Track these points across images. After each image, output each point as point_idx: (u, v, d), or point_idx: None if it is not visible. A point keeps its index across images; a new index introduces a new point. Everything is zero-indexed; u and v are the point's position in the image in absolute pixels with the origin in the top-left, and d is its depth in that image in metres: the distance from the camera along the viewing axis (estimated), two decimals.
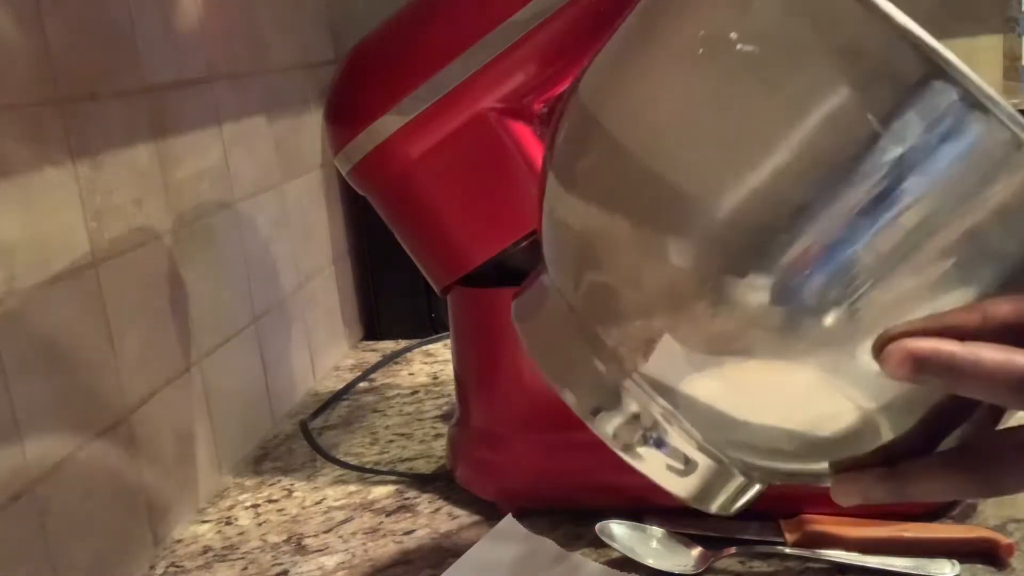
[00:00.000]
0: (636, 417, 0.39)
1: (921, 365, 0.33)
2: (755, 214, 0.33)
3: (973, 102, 0.31)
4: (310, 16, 1.06)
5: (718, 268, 0.34)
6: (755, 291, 0.33)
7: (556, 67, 0.63)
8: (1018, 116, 0.31)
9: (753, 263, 0.33)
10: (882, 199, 0.32)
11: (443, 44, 0.62)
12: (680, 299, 0.35)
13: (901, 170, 0.32)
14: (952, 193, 0.32)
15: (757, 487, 0.41)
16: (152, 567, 0.67)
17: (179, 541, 0.71)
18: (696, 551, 0.61)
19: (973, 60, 1.21)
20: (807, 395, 0.35)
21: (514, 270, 0.66)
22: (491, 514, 0.69)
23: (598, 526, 0.62)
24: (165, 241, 0.73)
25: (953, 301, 0.34)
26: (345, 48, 0.68)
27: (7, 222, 0.56)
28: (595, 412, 0.40)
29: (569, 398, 0.40)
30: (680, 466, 0.39)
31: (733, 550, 0.60)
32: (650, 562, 0.60)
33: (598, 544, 0.62)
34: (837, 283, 0.33)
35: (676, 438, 0.39)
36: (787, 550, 0.60)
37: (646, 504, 0.64)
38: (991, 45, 1.45)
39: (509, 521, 0.65)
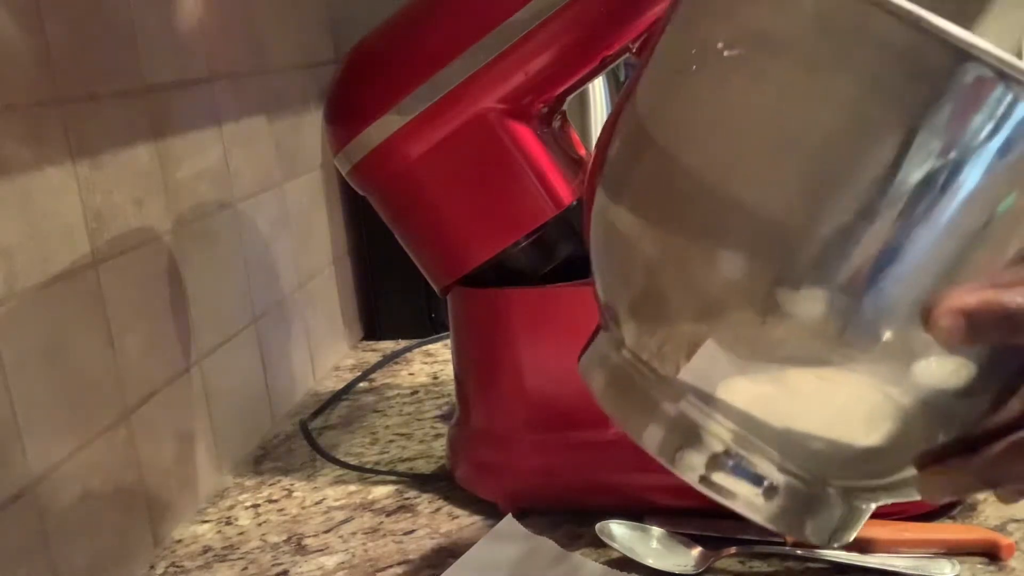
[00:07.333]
0: (713, 449, 0.38)
1: (974, 322, 0.30)
2: (810, 224, 0.33)
3: (1008, 79, 0.30)
4: (310, 16, 1.06)
5: (773, 279, 0.33)
6: (811, 302, 0.33)
7: (557, 67, 0.63)
8: None
9: (810, 274, 0.33)
10: (938, 201, 0.31)
11: (443, 44, 0.62)
12: (732, 310, 0.35)
13: (954, 166, 0.31)
14: (1011, 182, 0.31)
15: (858, 511, 0.39)
16: (152, 567, 0.67)
17: (179, 541, 0.71)
18: (696, 551, 0.61)
19: None
20: (861, 403, 0.34)
21: (514, 270, 0.66)
22: (491, 514, 0.69)
23: (598, 526, 0.62)
24: (165, 241, 0.73)
25: None
26: (345, 48, 0.68)
27: (7, 222, 0.56)
28: (674, 453, 0.39)
29: (647, 445, 0.39)
30: (761, 493, 0.38)
31: (733, 550, 0.60)
32: (650, 562, 0.60)
33: (598, 544, 0.62)
34: (896, 289, 0.32)
35: (755, 461, 0.37)
36: (787, 550, 0.60)
37: (646, 504, 0.64)
38: None
39: (509, 521, 0.65)
